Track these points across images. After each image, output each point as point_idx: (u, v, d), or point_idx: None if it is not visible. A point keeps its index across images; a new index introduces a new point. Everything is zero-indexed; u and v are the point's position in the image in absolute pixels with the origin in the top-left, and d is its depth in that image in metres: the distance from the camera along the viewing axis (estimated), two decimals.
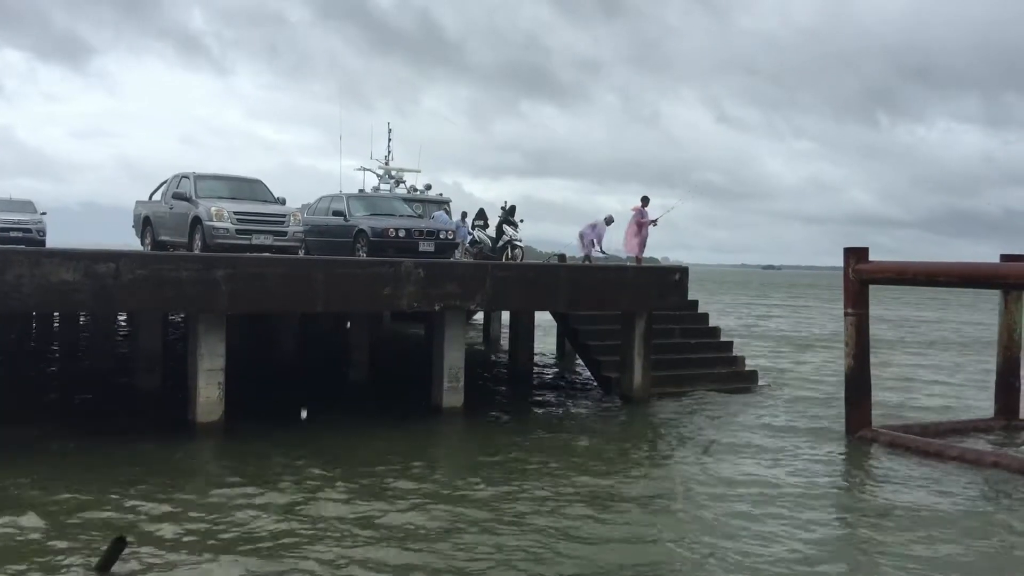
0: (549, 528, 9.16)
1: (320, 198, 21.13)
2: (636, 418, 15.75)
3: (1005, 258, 15.13)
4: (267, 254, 15.80)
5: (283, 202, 17.97)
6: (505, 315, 26.92)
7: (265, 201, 17.61)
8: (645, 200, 21.11)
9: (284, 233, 16.75)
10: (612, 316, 17.89)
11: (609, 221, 22.10)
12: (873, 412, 14.61)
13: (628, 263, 20.99)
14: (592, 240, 22.10)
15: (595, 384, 18.78)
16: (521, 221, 23.40)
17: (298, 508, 9.61)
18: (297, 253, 17.19)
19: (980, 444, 14.06)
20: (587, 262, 21.85)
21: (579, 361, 20.61)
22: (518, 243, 22.73)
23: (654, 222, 21.17)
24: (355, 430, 13.93)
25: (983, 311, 48.75)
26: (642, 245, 21.24)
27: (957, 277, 13.76)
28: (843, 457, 13.14)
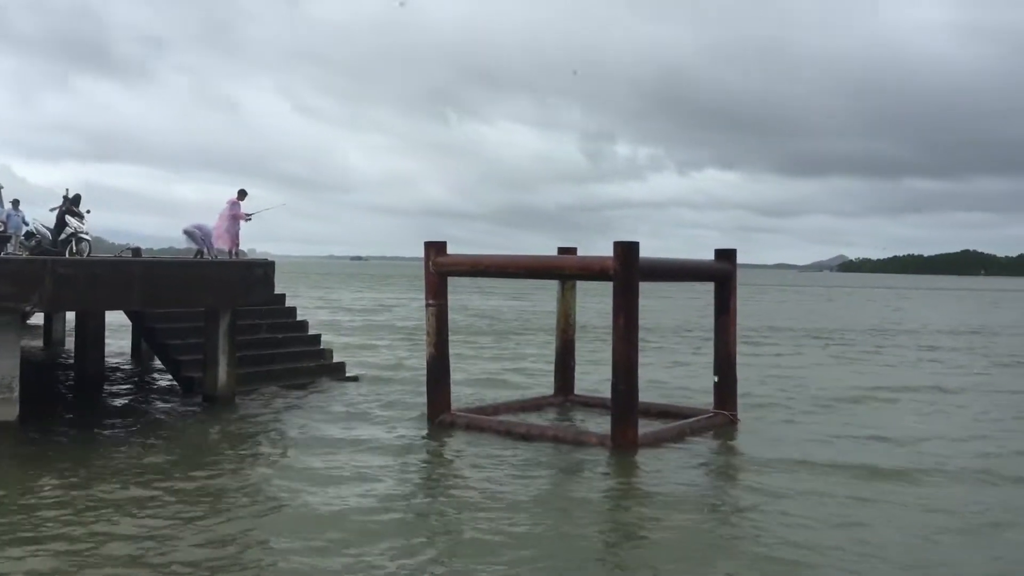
0: (120, 542, 8.41)
1: None
2: (219, 418, 15.10)
3: (561, 251, 16.88)
4: None
5: None
6: (71, 315, 24.42)
7: None
8: (242, 194, 20.59)
9: None
10: (193, 313, 17.00)
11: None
12: (453, 396, 15.52)
13: (220, 257, 20.21)
14: (202, 238, 20.99)
15: (176, 385, 17.72)
16: (87, 212, 21.22)
17: None
18: None
19: (542, 420, 15.57)
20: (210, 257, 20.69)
21: (158, 362, 19.32)
22: (84, 236, 20.57)
23: (248, 217, 20.69)
24: None
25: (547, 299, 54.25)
26: (235, 239, 20.67)
27: (523, 268, 15.09)
28: (423, 442, 13.74)
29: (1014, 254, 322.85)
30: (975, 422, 16.48)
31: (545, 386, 18.67)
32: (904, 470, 12.27)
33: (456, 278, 15.92)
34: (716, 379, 15.61)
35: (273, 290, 17.93)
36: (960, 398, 19.53)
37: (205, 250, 20.84)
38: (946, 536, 9.41)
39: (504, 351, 27.73)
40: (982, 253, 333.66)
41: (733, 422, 15.27)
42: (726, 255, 15.81)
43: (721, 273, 15.67)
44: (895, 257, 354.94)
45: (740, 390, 15.90)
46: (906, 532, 9.47)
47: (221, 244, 20.59)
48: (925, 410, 17.80)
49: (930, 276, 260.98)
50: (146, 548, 8.37)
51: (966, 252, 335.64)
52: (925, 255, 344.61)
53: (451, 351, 15.62)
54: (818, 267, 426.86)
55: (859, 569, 8.31)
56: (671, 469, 12.05)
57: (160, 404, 16.52)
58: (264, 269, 17.33)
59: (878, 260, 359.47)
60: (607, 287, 13.41)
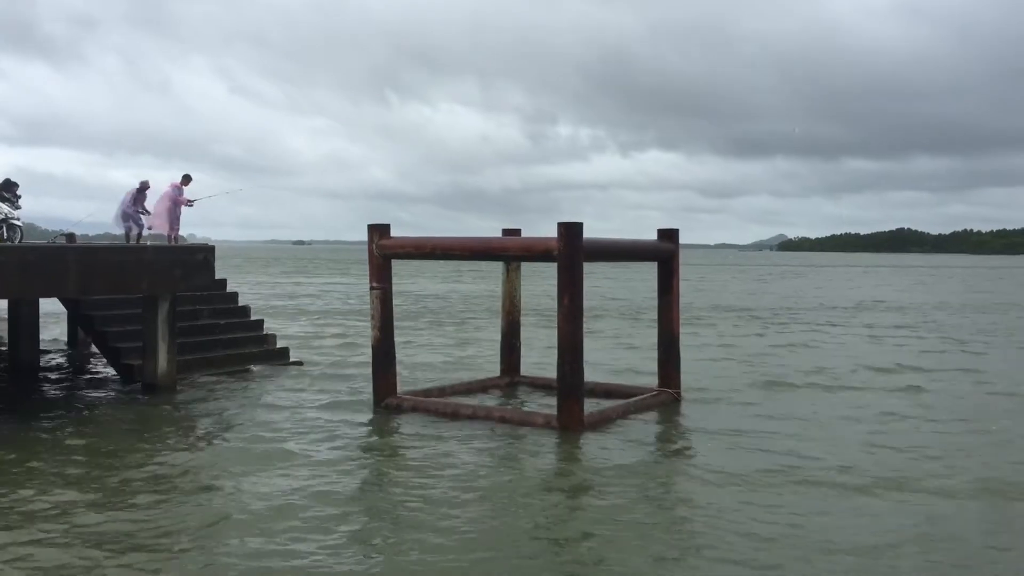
0: (47, 544, 8.25)
1: None
2: (160, 406, 14.84)
3: (506, 232, 16.87)
4: None
5: None
6: (3, 303, 23.78)
7: None
8: (186, 179, 20.45)
9: None
10: (131, 300, 16.66)
11: (143, 188, 20.54)
12: (399, 379, 15.47)
13: (160, 242, 19.90)
14: (125, 211, 20.62)
15: (115, 374, 17.37)
16: (19, 197, 20.66)
17: None
18: None
19: (488, 401, 15.61)
20: (137, 241, 20.28)
21: (96, 350, 18.91)
22: (16, 222, 20.02)
23: (191, 203, 20.50)
24: None
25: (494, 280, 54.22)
26: (175, 224, 20.42)
27: (467, 250, 15.05)
28: (369, 426, 13.68)
29: (946, 232, 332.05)
30: (924, 407, 16.37)
31: (487, 369, 18.71)
32: (836, 459, 12.57)
33: (402, 262, 15.83)
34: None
35: (214, 275, 17.65)
36: (908, 377, 19.87)
37: (129, 229, 20.44)
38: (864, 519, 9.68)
39: (450, 334, 27.68)
40: (915, 231, 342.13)
41: (677, 400, 15.49)
42: (669, 235, 15.95)
43: (664, 253, 15.82)
44: (832, 236, 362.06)
45: (683, 368, 16.11)
46: (836, 516, 9.73)
47: (160, 229, 20.32)
48: (870, 390, 18.20)
49: (870, 254, 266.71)
50: (75, 546, 8.23)
51: (900, 231, 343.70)
52: (861, 234, 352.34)
53: (396, 334, 15.56)
54: (758, 246, 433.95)
55: (794, 548, 8.54)
56: (616, 449, 12.17)
57: (98, 393, 16.18)
58: (204, 254, 17.04)
59: (816, 239, 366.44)
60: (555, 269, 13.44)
